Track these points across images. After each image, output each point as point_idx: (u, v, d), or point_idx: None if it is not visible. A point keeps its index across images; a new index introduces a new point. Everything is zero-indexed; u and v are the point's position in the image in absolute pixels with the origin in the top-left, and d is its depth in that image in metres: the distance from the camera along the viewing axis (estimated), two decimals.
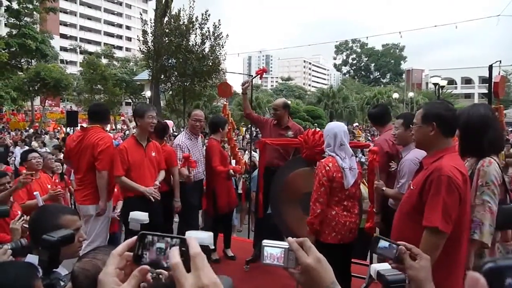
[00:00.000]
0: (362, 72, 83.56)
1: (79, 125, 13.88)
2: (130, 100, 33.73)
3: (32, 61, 27.11)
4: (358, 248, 3.33)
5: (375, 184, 3.19)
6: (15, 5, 25.01)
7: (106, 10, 66.13)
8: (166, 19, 17.26)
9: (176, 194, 4.03)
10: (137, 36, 19.59)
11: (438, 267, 1.84)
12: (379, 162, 3.24)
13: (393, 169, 3.28)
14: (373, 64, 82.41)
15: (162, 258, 0.67)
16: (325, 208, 2.93)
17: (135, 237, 0.70)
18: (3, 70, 24.12)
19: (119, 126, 22.94)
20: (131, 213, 3.12)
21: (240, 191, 6.46)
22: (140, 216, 3.04)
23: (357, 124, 27.58)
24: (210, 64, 17.20)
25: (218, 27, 17.27)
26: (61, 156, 6.37)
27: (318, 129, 3.98)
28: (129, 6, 68.26)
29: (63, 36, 56.50)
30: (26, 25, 25.45)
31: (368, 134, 18.45)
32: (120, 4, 67.72)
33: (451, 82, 47.74)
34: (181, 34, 16.86)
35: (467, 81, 54.78)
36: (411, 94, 38.33)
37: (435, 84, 21.54)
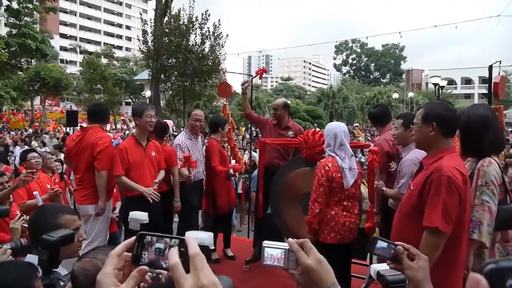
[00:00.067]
0: (362, 72, 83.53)
1: (79, 125, 13.88)
2: (130, 100, 33.71)
3: (32, 60, 27.08)
4: (358, 248, 3.32)
5: (375, 184, 3.19)
6: (15, 5, 24.99)
7: (106, 10, 66.11)
8: (166, 19, 17.27)
9: (176, 194, 4.03)
10: (137, 35, 19.59)
11: (438, 267, 1.84)
12: (379, 162, 3.24)
13: (393, 169, 3.28)
14: (373, 64, 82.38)
15: (161, 258, 0.67)
16: (323, 208, 2.93)
17: (133, 238, 0.69)
18: (3, 69, 24.11)
19: (119, 126, 22.93)
20: (130, 213, 3.11)
21: (240, 191, 6.47)
22: (140, 216, 3.03)
23: (357, 124, 27.54)
24: (210, 64, 17.20)
25: (218, 27, 17.28)
26: (61, 156, 6.37)
27: (318, 129, 3.98)
28: (129, 6, 68.26)
29: (63, 35, 56.48)
30: (26, 25, 25.42)
31: (368, 134, 18.46)
32: (120, 4, 67.71)
33: (451, 82, 47.74)
34: (181, 34, 16.86)
35: (467, 81, 54.78)
36: (411, 94, 38.33)
37: (435, 84, 21.54)
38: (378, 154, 3.25)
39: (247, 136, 13.67)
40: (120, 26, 67.72)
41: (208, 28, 17.23)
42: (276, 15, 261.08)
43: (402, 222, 2.11)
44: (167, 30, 17.01)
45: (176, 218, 4.67)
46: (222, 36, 17.40)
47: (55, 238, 1.40)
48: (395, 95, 37.57)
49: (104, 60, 34.49)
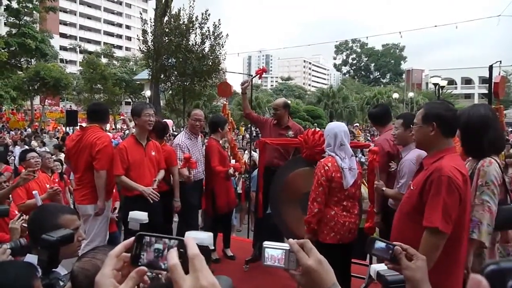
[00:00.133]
0: (362, 72, 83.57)
1: (78, 124, 13.88)
2: (129, 100, 33.70)
3: (32, 60, 27.04)
4: (358, 248, 3.32)
5: (375, 184, 3.19)
6: (14, 4, 24.96)
7: (106, 10, 66.09)
8: (166, 18, 17.26)
9: (176, 194, 4.03)
10: (137, 35, 19.55)
11: (438, 267, 1.84)
12: (380, 162, 3.24)
13: (393, 169, 3.28)
14: (373, 64, 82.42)
15: (160, 259, 0.66)
16: (322, 207, 2.93)
17: (132, 238, 0.69)
18: (2, 69, 24.08)
19: (118, 126, 22.93)
20: (130, 212, 3.11)
21: (239, 190, 6.47)
22: (139, 215, 3.03)
23: (357, 124, 27.54)
24: (210, 63, 17.20)
25: (218, 26, 17.27)
26: (61, 155, 6.37)
27: (318, 129, 3.98)
28: (129, 5, 68.24)
29: (62, 35, 56.47)
30: (25, 24, 25.38)
31: (368, 134, 18.46)
32: (120, 3, 67.69)
33: (451, 82, 47.74)
34: (181, 33, 16.85)
35: (467, 81, 54.79)
36: (411, 94, 38.34)
37: (435, 84, 21.55)
38: (378, 154, 3.25)
39: (247, 136, 13.66)
40: (120, 25, 67.71)
41: (208, 28, 17.24)
42: (276, 15, 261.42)
43: (402, 222, 2.11)
44: (167, 30, 17.00)
45: (176, 218, 4.67)
46: (222, 35, 17.40)
47: (55, 238, 1.39)
48: (395, 95, 37.59)
49: (104, 60, 34.49)
